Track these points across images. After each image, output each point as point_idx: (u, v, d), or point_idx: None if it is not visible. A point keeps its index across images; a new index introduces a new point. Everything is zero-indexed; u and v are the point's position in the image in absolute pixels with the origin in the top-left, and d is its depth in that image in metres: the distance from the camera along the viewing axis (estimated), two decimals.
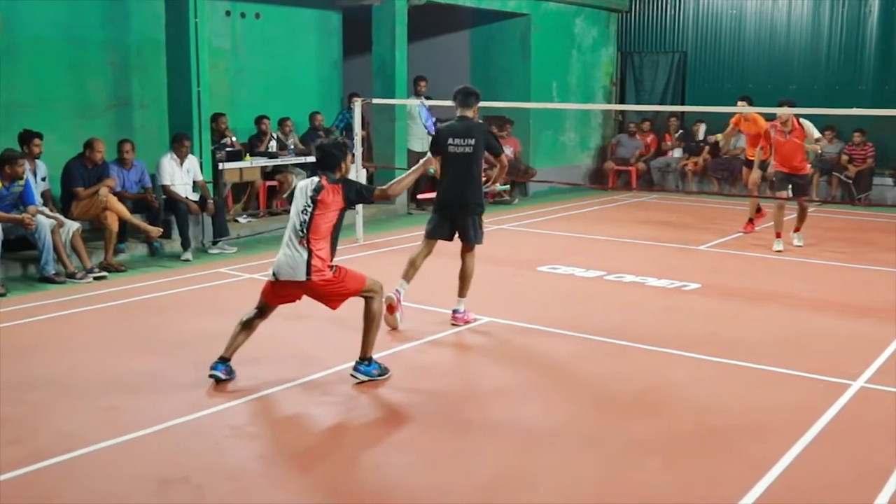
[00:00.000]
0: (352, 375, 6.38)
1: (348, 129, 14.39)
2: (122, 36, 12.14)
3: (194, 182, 11.34)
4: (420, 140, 14.79)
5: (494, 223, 13.40)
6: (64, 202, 10.47)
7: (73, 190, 10.29)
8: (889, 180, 16.56)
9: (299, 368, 6.61)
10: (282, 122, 13.77)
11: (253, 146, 13.18)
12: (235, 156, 12.30)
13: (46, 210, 9.86)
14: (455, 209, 7.78)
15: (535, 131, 17.48)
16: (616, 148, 18.70)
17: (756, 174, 12.24)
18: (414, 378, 6.61)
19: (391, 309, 7.51)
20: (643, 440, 5.43)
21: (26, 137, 10.04)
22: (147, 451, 5.22)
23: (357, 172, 12.62)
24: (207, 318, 8.05)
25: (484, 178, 8.09)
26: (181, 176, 11.15)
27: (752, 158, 12.54)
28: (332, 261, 6.22)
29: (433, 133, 7.57)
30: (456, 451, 5.30)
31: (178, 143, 11.17)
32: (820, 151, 12.22)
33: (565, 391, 6.41)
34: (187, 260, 10.69)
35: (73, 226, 9.71)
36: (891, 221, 14.16)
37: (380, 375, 6.41)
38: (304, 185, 6.28)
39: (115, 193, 10.38)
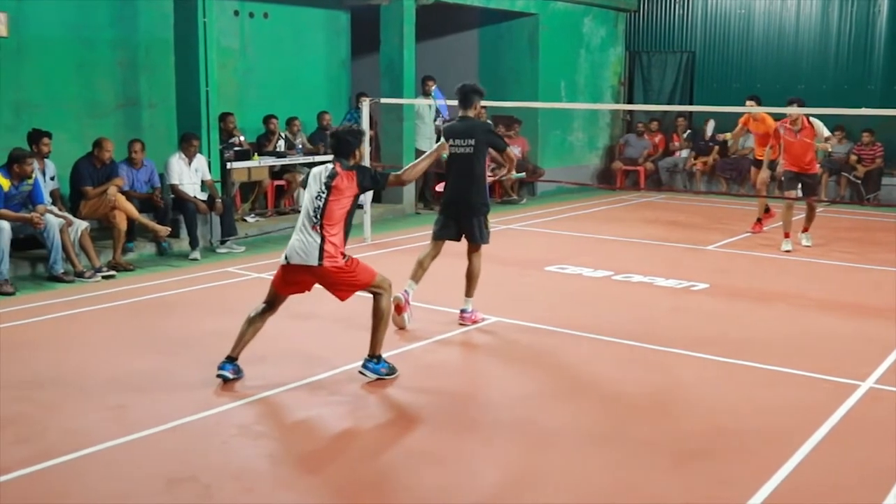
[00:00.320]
0: (360, 373, 6.39)
1: None
2: (130, 35, 12.16)
3: (202, 181, 11.35)
4: (427, 139, 14.79)
5: (502, 223, 13.40)
6: (73, 201, 10.49)
7: (82, 189, 10.31)
8: None
9: (306, 368, 6.61)
10: (290, 122, 13.78)
11: (261, 145, 13.20)
12: (243, 155, 12.32)
13: (55, 209, 9.88)
14: (460, 209, 7.78)
15: (543, 131, 17.46)
16: (624, 148, 18.67)
17: (765, 174, 12.21)
18: (422, 378, 6.61)
19: (399, 309, 7.51)
20: (651, 440, 5.42)
21: (35, 136, 10.06)
22: (154, 451, 5.23)
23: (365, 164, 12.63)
24: (215, 317, 8.06)
25: (493, 177, 8.07)
26: (189, 175, 11.17)
27: (760, 158, 12.51)
28: (344, 248, 6.22)
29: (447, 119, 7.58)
30: (463, 450, 5.30)
31: (187, 143, 11.19)
32: (829, 150, 12.19)
33: (573, 391, 6.40)
34: (195, 259, 10.71)
35: (81, 225, 9.73)
36: None
37: (388, 374, 6.41)
38: (318, 172, 6.28)
39: (123, 193, 10.41)
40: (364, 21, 15.35)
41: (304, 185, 6.54)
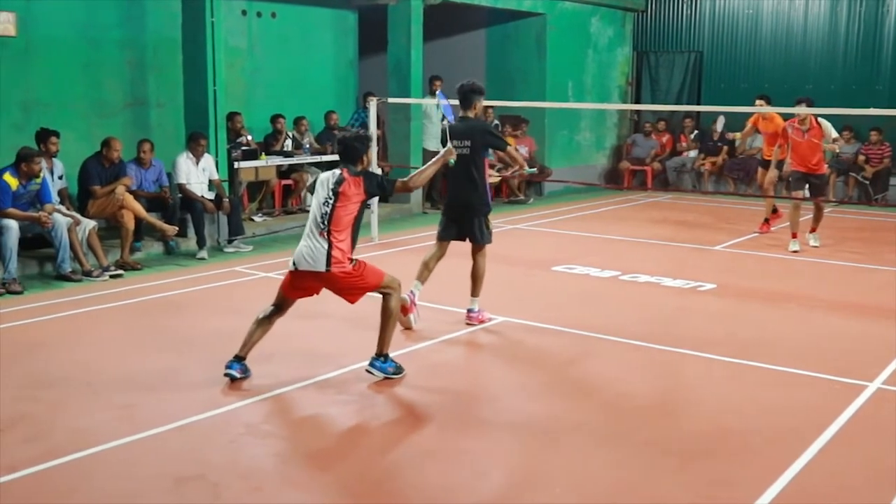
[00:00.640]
0: (367, 371, 6.40)
1: (364, 128, 14.39)
2: (138, 35, 12.19)
3: (210, 181, 11.37)
4: (435, 139, 14.78)
5: (509, 223, 13.41)
6: (80, 200, 10.52)
7: (90, 188, 10.34)
8: None
9: (314, 367, 6.62)
10: (297, 121, 13.80)
11: (268, 145, 13.22)
12: (251, 155, 12.33)
13: (63, 208, 9.91)
14: (460, 210, 7.78)
15: (551, 131, 17.46)
16: (631, 148, 18.66)
17: (773, 174, 12.19)
18: (428, 377, 6.61)
19: (405, 310, 7.50)
20: (658, 440, 5.42)
21: (43, 136, 10.09)
22: (162, 450, 5.24)
23: (372, 170, 12.63)
24: (223, 316, 8.08)
25: (501, 175, 8.05)
26: (197, 175, 11.18)
27: (768, 158, 12.48)
28: (352, 253, 6.23)
29: (452, 122, 7.55)
30: (469, 450, 5.30)
31: (194, 142, 11.21)
32: (837, 151, 12.16)
33: (580, 391, 6.40)
34: (203, 258, 10.73)
35: (89, 224, 9.75)
36: None
37: (395, 373, 6.41)
38: (325, 177, 6.29)
39: (130, 192, 10.43)
40: (372, 21, 15.37)
41: (311, 190, 6.54)
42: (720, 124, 15.74)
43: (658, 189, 17.79)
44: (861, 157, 16.22)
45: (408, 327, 7.60)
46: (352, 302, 6.41)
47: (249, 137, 12.65)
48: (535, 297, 9.02)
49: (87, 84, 11.75)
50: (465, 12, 16.70)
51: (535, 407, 6.04)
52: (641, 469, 5.03)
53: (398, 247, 11.47)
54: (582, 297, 9.08)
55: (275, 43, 14.24)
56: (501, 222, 13.30)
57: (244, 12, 13.78)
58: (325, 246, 6.10)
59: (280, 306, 6.42)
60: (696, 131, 18.19)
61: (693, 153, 17.92)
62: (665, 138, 18.30)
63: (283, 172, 13.45)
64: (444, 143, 7.75)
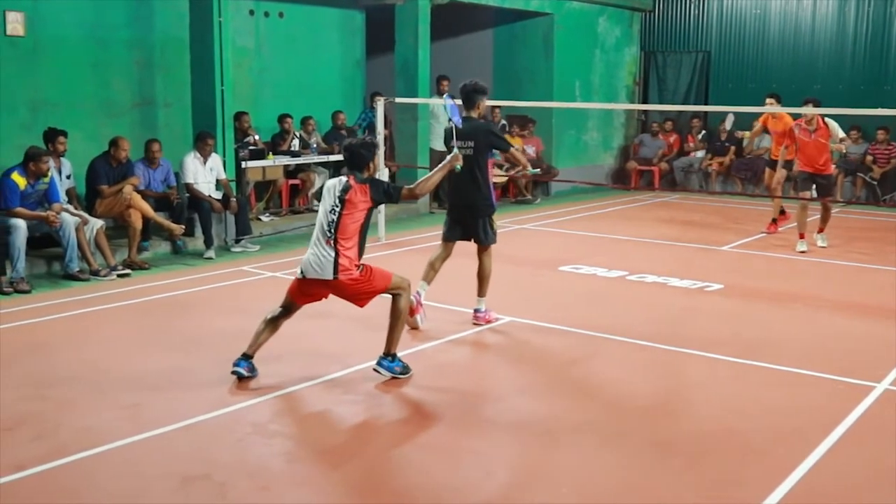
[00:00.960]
0: (374, 370, 6.41)
1: (371, 128, 14.42)
2: (146, 35, 12.21)
3: (217, 180, 11.39)
4: (442, 139, 14.78)
5: (516, 223, 13.41)
6: (88, 200, 10.54)
7: (98, 188, 10.36)
8: None
9: (321, 366, 6.63)
10: (304, 121, 13.81)
11: (276, 145, 13.23)
12: (258, 154, 12.35)
13: (71, 208, 9.93)
14: (464, 211, 7.78)
15: (558, 131, 17.45)
16: (639, 148, 18.64)
17: (780, 174, 12.17)
18: (435, 377, 6.61)
19: (412, 311, 7.50)
20: (664, 441, 5.42)
21: (51, 135, 10.11)
22: (169, 449, 5.25)
23: (380, 172, 12.63)
24: (230, 315, 8.09)
25: (507, 175, 8.03)
26: (204, 174, 11.20)
27: (776, 158, 12.47)
28: (359, 260, 6.24)
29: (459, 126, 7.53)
30: (477, 450, 5.30)
31: (202, 142, 11.22)
32: (844, 151, 12.13)
33: (586, 391, 6.39)
34: (210, 258, 10.74)
35: (97, 223, 9.77)
36: None
37: (402, 373, 6.42)
38: (331, 185, 6.29)
39: (138, 191, 10.44)
40: (379, 20, 15.37)
41: (317, 196, 6.55)
42: (729, 122, 15.72)
43: (665, 189, 17.77)
44: (868, 158, 16.18)
45: (414, 327, 7.60)
46: (361, 306, 6.43)
47: (257, 137, 12.66)
48: (542, 297, 9.02)
49: (95, 84, 11.78)
50: (473, 12, 16.70)
51: (541, 407, 6.04)
52: (647, 469, 5.03)
53: (405, 247, 11.48)
54: (589, 297, 9.08)
55: (282, 43, 14.25)
56: (508, 222, 13.30)
57: (252, 12, 13.79)
58: (333, 254, 6.11)
59: (288, 309, 6.43)
60: (703, 131, 18.17)
61: (700, 153, 17.89)
62: (672, 138, 18.28)
63: (290, 172, 13.46)
64: (446, 144, 7.75)
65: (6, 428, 5.46)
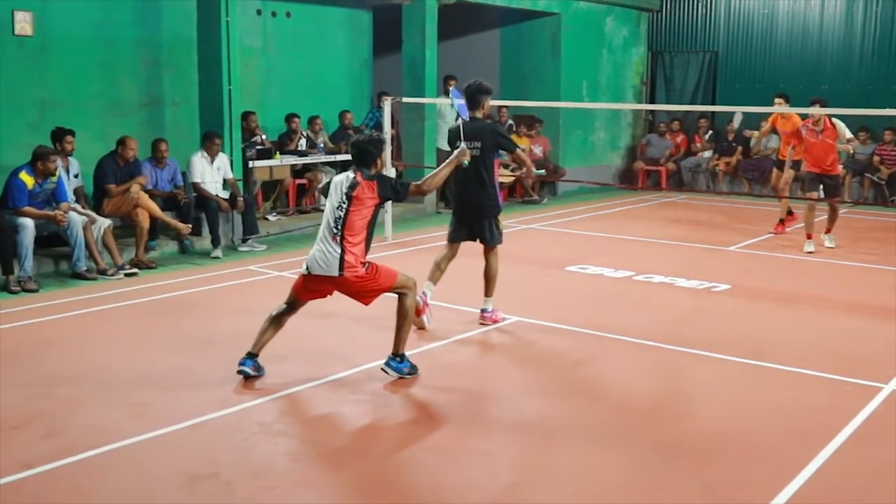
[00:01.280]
0: (382, 370, 6.40)
1: (378, 127, 14.40)
2: (154, 35, 12.23)
3: (224, 180, 11.40)
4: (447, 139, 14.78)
5: (523, 222, 13.40)
6: (96, 199, 10.56)
7: (105, 187, 10.38)
8: None
9: (327, 366, 6.63)
10: (312, 121, 13.82)
11: (283, 144, 13.24)
12: (265, 154, 12.36)
13: (79, 207, 9.95)
14: (469, 212, 7.78)
15: (565, 131, 17.43)
16: (646, 148, 18.61)
17: (788, 174, 12.14)
18: (442, 377, 6.61)
19: (418, 312, 7.51)
20: (670, 441, 5.41)
21: (59, 135, 10.13)
22: (175, 448, 5.26)
23: (386, 172, 12.64)
24: (236, 315, 8.10)
25: (513, 176, 8.01)
26: (212, 174, 11.22)
27: (783, 159, 12.44)
28: (365, 257, 6.23)
29: (466, 119, 7.51)
30: (483, 450, 5.30)
31: (209, 141, 11.24)
32: (852, 152, 12.09)
33: (592, 391, 6.39)
34: (217, 257, 10.76)
35: (104, 223, 9.79)
36: None
37: (409, 373, 6.42)
38: (339, 181, 6.28)
39: (146, 191, 10.46)
40: (386, 20, 15.38)
41: (323, 192, 6.54)
42: (737, 121, 15.69)
43: (672, 189, 17.75)
44: (876, 158, 16.14)
45: (421, 327, 7.60)
46: (366, 304, 6.43)
47: (264, 137, 12.67)
48: (549, 297, 9.02)
49: (103, 83, 11.80)
50: (480, 12, 16.70)
51: (548, 407, 6.04)
52: (653, 469, 5.02)
53: (412, 246, 11.49)
54: (595, 298, 9.07)
55: (289, 42, 14.27)
56: (515, 222, 13.30)
57: (259, 12, 13.80)
58: (339, 251, 6.10)
59: (292, 305, 6.43)
60: (710, 131, 18.13)
61: (708, 153, 17.86)
62: (679, 138, 18.25)
63: (297, 172, 13.47)
64: (450, 143, 7.75)
65: (14, 426, 5.47)
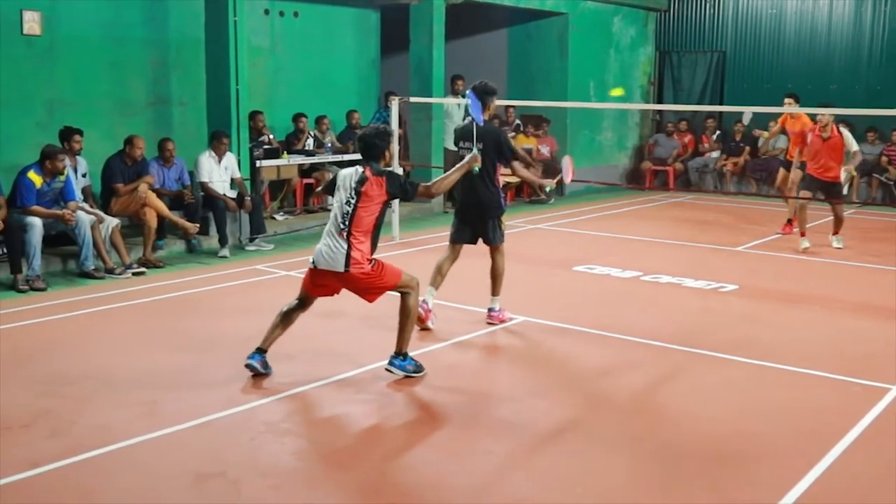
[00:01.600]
0: (386, 370, 6.40)
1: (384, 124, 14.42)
2: (162, 35, 12.26)
3: (232, 179, 11.42)
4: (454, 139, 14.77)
5: (530, 222, 13.40)
6: (104, 198, 10.58)
7: (113, 186, 10.39)
8: None
9: (333, 366, 6.63)
10: (319, 120, 13.83)
11: (290, 144, 13.26)
12: (273, 153, 12.37)
13: (87, 206, 9.97)
14: (472, 212, 7.77)
15: (572, 131, 17.43)
16: (653, 148, 18.60)
17: (796, 174, 12.11)
18: (447, 377, 6.60)
19: (420, 320, 7.49)
20: (678, 442, 5.40)
21: (67, 134, 10.15)
22: (182, 447, 5.26)
23: (395, 166, 12.65)
24: (244, 314, 8.10)
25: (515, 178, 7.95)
26: (219, 173, 11.24)
27: (791, 159, 12.41)
28: (372, 254, 6.21)
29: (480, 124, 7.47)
30: (489, 450, 5.29)
31: (217, 141, 11.26)
32: (853, 174, 11.88)
33: (599, 392, 6.38)
34: (224, 257, 10.77)
35: (112, 222, 9.81)
36: None
37: (414, 372, 6.41)
38: (347, 175, 6.23)
39: (153, 190, 10.48)
40: (394, 20, 15.39)
41: (327, 189, 6.49)
42: (747, 118, 15.62)
43: (680, 189, 17.73)
44: (884, 159, 16.10)
45: (425, 329, 7.59)
46: (370, 301, 6.42)
47: (271, 136, 12.69)
48: (556, 297, 9.01)
49: (111, 83, 11.83)
50: (488, 12, 16.70)
51: (554, 407, 6.03)
52: (660, 470, 5.01)
53: (419, 246, 11.49)
54: (602, 298, 9.06)
55: (297, 42, 14.28)
56: (522, 222, 13.30)
57: (267, 11, 13.82)
58: (345, 247, 6.09)
59: (303, 301, 6.42)
60: (718, 132, 18.10)
61: (715, 154, 17.84)
62: (687, 138, 18.23)
63: (304, 171, 13.48)
64: (456, 143, 7.74)
65: (22, 425, 5.49)
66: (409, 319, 6.40)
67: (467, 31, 17.40)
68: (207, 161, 11.17)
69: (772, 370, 6.75)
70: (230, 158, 11.41)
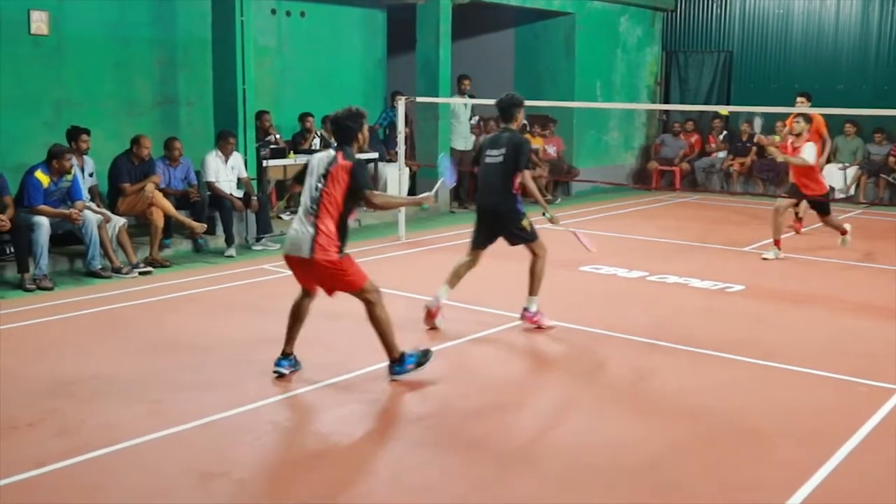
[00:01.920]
0: (392, 380, 6.33)
1: (392, 127, 14.46)
2: (168, 34, 12.28)
3: (239, 179, 11.43)
4: (463, 139, 14.81)
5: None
6: (110, 198, 10.61)
7: (120, 186, 10.41)
8: None
9: (339, 366, 6.63)
10: (325, 120, 13.83)
11: (297, 144, 13.27)
12: (279, 153, 12.38)
13: (93, 205, 10.00)
14: (490, 218, 7.72)
15: (579, 131, 17.41)
16: (660, 148, 18.58)
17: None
18: (454, 377, 6.61)
19: (431, 315, 7.49)
20: (684, 442, 5.40)
21: (74, 134, 10.18)
22: (188, 446, 5.27)
23: (400, 171, 12.66)
24: (250, 313, 8.12)
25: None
26: (226, 173, 11.25)
27: None
28: (341, 245, 6.01)
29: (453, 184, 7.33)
30: (494, 451, 5.28)
31: (224, 141, 11.27)
32: (774, 154, 11.54)
33: (606, 392, 6.38)
34: (231, 256, 10.79)
35: (119, 221, 9.83)
36: None
37: (419, 365, 6.32)
38: (320, 158, 6.13)
39: (160, 190, 10.50)
40: (400, 20, 15.39)
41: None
42: (758, 126, 15.52)
43: (686, 189, 17.69)
44: (891, 159, 16.05)
45: (433, 328, 7.58)
46: (329, 294, 6.22)
47: (278, 136, 12.71)
48: (562, 297, 8.99)
49: (118, 82, 11.86)
50: (494, 11, 16.70)
51: (562, 409, 6.03)
52: (667, 471, 5.01)
53: (425, 246, 11.48)
54: (609, 298, 9.06)
55: (304, 42, 14.29)
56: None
57: (273, 11, 13.84)
58: (311, 231, 5.94)
59: (306, 292, 6.35)
60: (724, 132, 18.07)
61: (722, 154, 17.81)
62: (694, 138, 18.20)
63: None
64: (481, 152, 7.68)
65: (28, 424, 5.50)
66: (385, 327, 6.19)
67: (474, 31, 17.40)
68: (214, 161, 11.18)
69: (777, 370, 6.74)
70: (237, 158, 11.42)
